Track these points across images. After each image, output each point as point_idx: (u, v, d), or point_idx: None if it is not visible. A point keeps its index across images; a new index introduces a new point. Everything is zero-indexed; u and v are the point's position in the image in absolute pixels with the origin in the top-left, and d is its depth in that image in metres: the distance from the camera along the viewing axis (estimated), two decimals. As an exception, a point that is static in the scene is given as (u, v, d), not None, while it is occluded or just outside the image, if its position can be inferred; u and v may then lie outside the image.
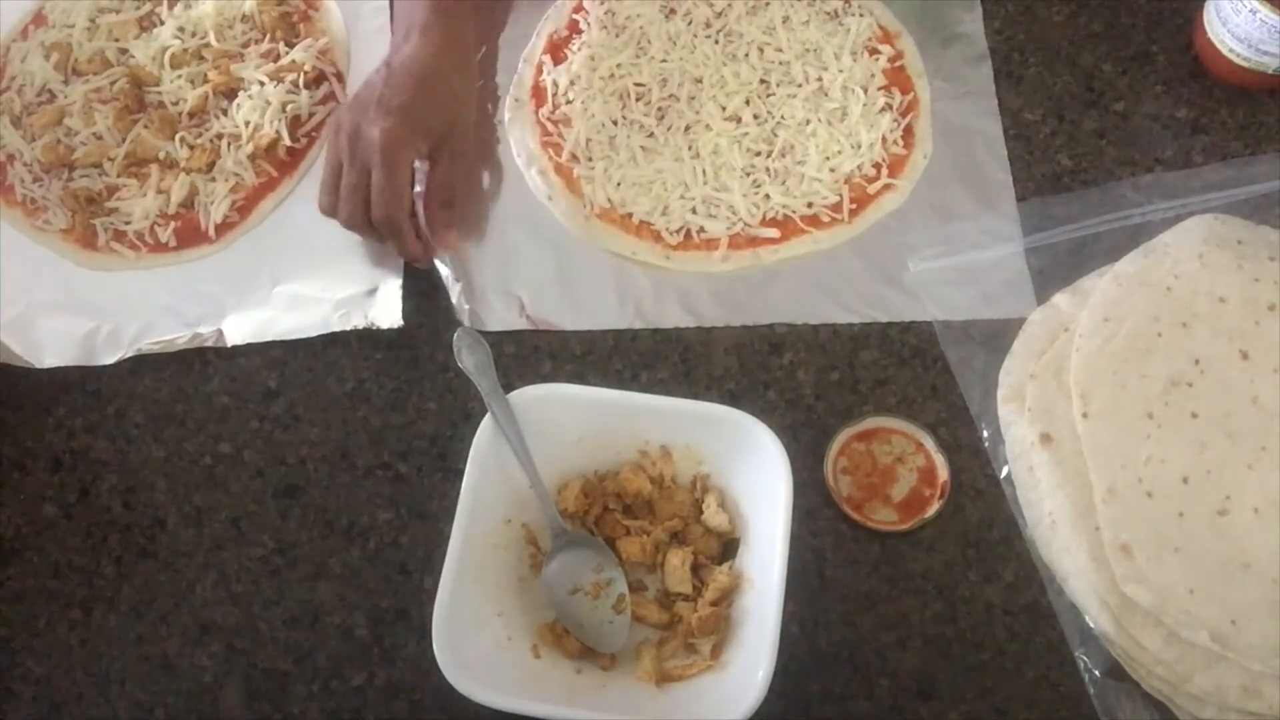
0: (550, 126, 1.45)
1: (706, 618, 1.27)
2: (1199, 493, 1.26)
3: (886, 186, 1.43)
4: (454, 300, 1.40)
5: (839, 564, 1.31)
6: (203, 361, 1.42)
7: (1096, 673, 1.23)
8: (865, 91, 1.45)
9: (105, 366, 1.41)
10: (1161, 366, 1.29)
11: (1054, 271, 1.38)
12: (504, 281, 1.42)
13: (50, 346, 1.41)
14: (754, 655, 1.22)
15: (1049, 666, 1.27)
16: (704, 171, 1.42)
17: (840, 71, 1.44)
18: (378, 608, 1.33)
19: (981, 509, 1.32)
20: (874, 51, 1.47)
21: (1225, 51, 1.43)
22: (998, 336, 1.34)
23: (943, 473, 1.30)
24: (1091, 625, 1.23)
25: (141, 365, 1.42)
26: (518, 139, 1.47)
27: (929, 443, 1.31)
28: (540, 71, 1.49)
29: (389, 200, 1.34)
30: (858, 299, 1.39)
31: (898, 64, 1.49)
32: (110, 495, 1.38)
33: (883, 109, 1.45)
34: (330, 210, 1.36)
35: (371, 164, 1.33)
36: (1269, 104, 1.45)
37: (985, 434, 1.32)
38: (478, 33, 1.51)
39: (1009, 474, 1.31)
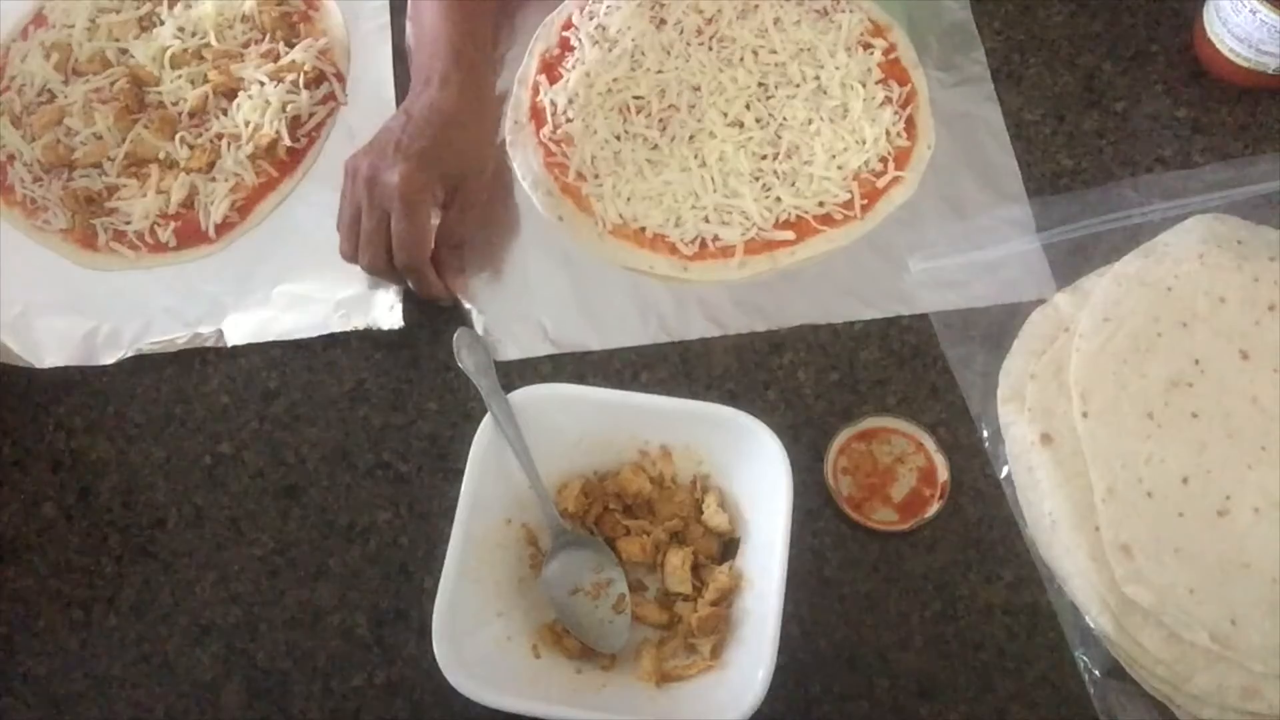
0: (553, 147, 1.44)
1: (706, 618, 1.26)
2: (1199, 493, 1.25)
3: (895, 180, 1.43)
4: (480, 332, 1.40)
5: (839, 564, 1.30)
6: (202, 361, 1.41)
7: (1096, 673, 1.22)
8: (864, 86, 1.43)
9: (105, 366, 1.40)
10: (1161, 366, 1.28)
11: (1054, 271, 1.38)
12: (524, 308, 1.41)
13: (50, 346, 1.40)
14: (754, 655, 1.21)
15: (1049, 666, 1.25)
16: (713, 179, 1.41)
17: (837, 69, 1.43)
18: (378, 608, 1.32)
19: (981, 509, 1.31)
20: (867, 46, 1.47)
21: (1225, 51, 1.42)
22: (998, 336, 1.33)
23: (943, 473, 1.29)
24: (1091, 625, 1.22)
25: (141, 365, 1.41)
26: (521, 162, 1.46)
27: (929, 443, 1.30)
28: (537, 92, 1.47)
29: (410, 245, 1.34)
30: (878, 294, 1.39)
31: (892, 56, 1.48)
32: (110, 495, 1.37)
33: (882, 103, 1.44)
34: (350, 257, 1.36)
35: (391, 209, 1.33)
36: (1269, 104, 1.43)
37: (985, 434, 1.31)
38: (496, 86, 1.51)
39: (1009, 474, 1.30)
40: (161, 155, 1.42)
